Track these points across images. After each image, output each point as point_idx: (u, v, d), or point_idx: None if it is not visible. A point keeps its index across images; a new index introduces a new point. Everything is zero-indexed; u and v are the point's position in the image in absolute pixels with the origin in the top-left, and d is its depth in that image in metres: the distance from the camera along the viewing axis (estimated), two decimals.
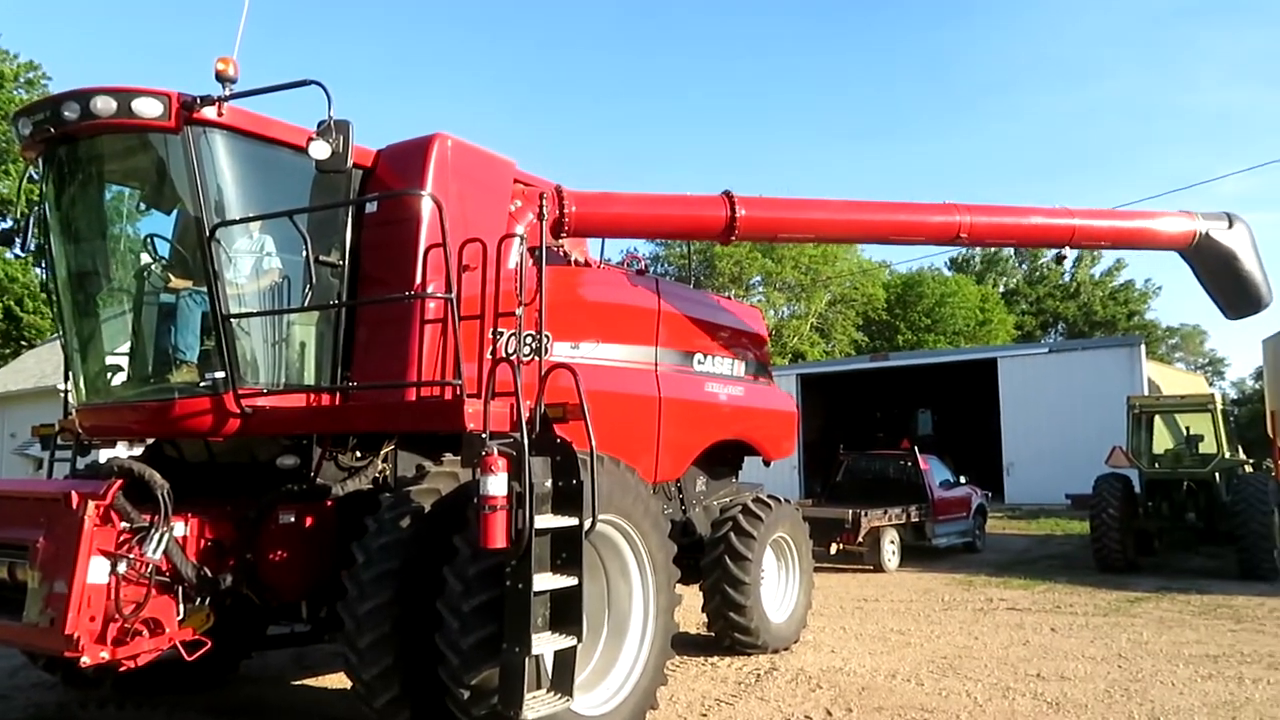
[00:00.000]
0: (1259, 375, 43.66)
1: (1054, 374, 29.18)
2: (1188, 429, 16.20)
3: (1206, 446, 15.54)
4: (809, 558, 9.57)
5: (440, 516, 5.46)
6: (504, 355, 6.03)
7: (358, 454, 6.45)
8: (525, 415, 5.00)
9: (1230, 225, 10.29)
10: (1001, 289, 63.22)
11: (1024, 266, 65.78)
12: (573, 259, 8.05)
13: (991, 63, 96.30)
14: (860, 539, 14.82)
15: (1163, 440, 16.55)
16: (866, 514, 14.85)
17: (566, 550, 5.13)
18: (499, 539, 4.74)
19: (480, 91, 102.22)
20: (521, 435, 4.89)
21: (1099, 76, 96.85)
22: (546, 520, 5.02)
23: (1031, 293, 64.30)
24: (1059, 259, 10.43)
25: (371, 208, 6.64)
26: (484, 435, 4.98)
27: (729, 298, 11.55)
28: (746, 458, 10.14)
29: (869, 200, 9.61)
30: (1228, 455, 15.18)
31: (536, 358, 6.06)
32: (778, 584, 9.28)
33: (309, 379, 6.42)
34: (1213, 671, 8.08)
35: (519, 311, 5.94)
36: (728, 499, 9.47)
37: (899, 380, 35.92)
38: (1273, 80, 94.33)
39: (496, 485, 4.74)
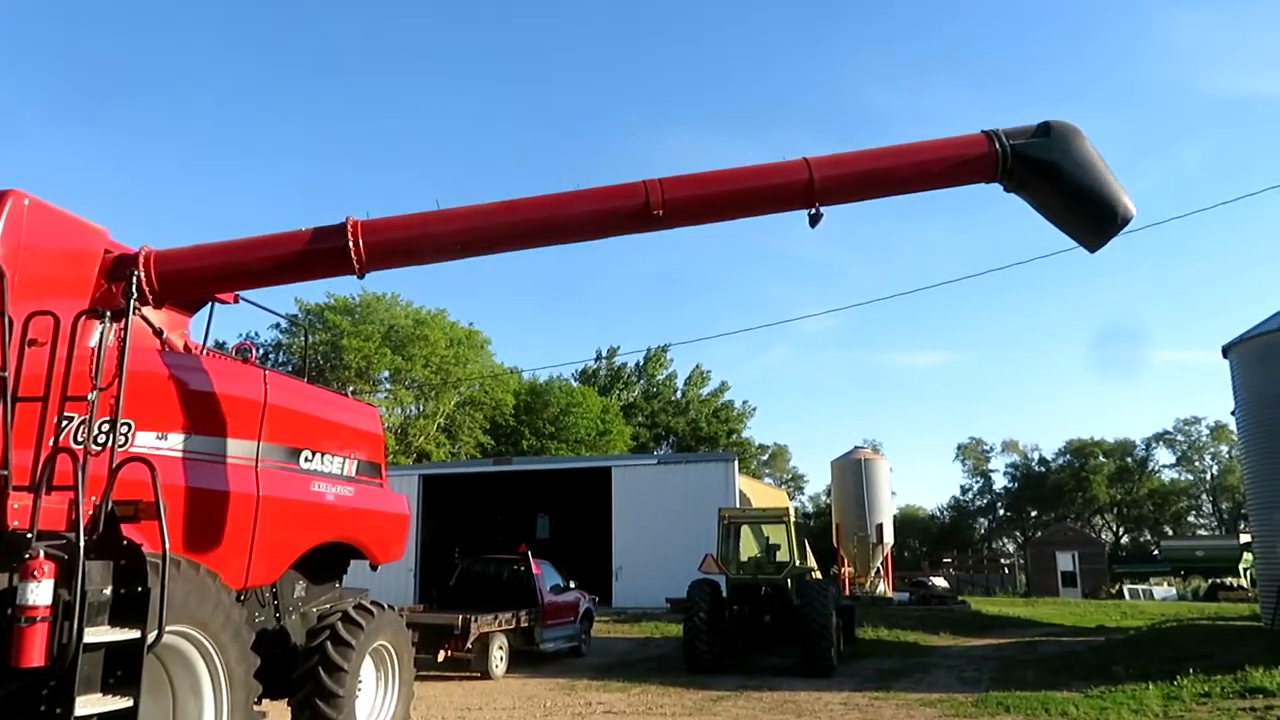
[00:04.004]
0: (830, 491, 49.76)
1: (661, 484, 31.29)
2: (768, 538, 18.02)
3: (783, 555, 17.36)
4: (410, 667, 9.28)
5: None
6: (68, 444, 5.35)
7: None
8: (86, 513, 4.46)
9: (1049, 134, 8.22)
10: (622, 402, 67.08)
11: (643, 382, 70.58)
12: (166, 339, 7.38)
13: None
14: (469, 645, 14.67)
15: (749, 548, 18.25)
16: (476, 619, 14.77)
17: (123, 667, 4.58)
18: (35, 657, 4.13)
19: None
20: (78, 535, 4.34)
21: None
22: (101, 633, 4.47)
23: (648, 407, 68.89)
24: (814, 221, 8.16)
25: None
26: (29, 535, 4.36)
27: (351, 393, 11.17)
28: (353, 561, 9.73)
29: (529, 196, 8.05)
30: (799, 563, 17.06)
31: (111, 448, 5.44)
32: (375, 696, 8.87)
33: None
34: None
35: (92, 396, 5.32)
36: (328, 605, 8.98)
37: (521, 484, 36.59)
38: (846, 239, 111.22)
39: (38, 594, 4.15)
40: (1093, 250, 8.59)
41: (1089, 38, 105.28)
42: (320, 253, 7.51)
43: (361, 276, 7.74)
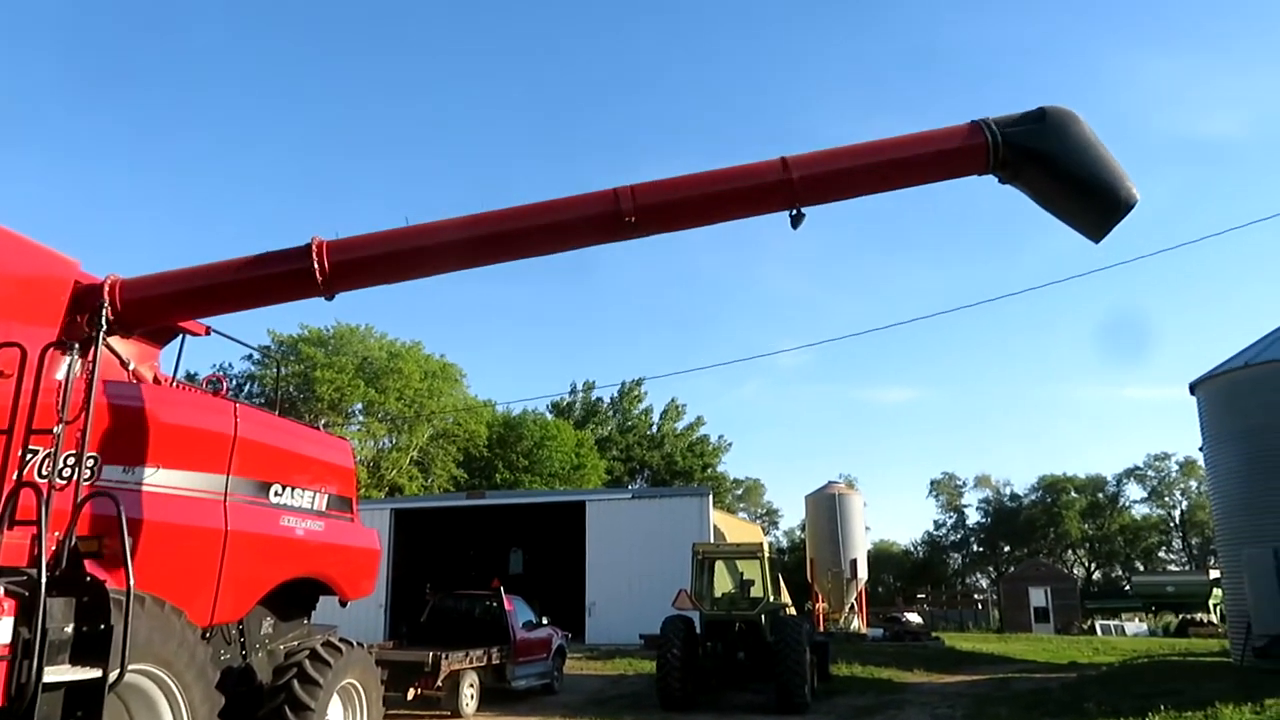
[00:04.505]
0: (804, 526, 49.65)
1: (635, 519, 31.13)
2: (743, 574, 17.94)
3: (757, 590, 17.28)
4: (379, 705, 9.15)
5: None
6: (33, 478, 5.27)
7: None
8: (49, 548, 4.38)
9: (1043, 119, 7.73)
10: (596, 436, 66.81)
11: (618, 415, 70.47)
12: (135, 370, 7.31)
13: None
14: (439, 683, 14.45)
15: (723, 584, 18.17)
16: (447, 656, 14.56)
17: (83, 707, 4.49)
18: None
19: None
20: (39, 572, 4.27)
21: (691, 252, 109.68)
22: (61, 672, 4.38)
23: (623, 440, 68.71)
24: (795, 222, 7.81)
25: None
26: None
27: (323, 426, 11.09)
28: (322, 597, 9.60)
29: (499, 209, 7.76)
30: (772, 599, 16.99)
31: (76, 482, 5.36)
32: None
33: None
34: None
35: (58, 429, 5.25)
36: (296, 642, 8.85)
37: (494, 519, 36.35)
38: (820, 275, 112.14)
39: None
40: (1096, 240, 8.04)
41: (1051, 82, 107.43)
42: (285, 275, 7.37)
43: (330, 298, 7.59)
